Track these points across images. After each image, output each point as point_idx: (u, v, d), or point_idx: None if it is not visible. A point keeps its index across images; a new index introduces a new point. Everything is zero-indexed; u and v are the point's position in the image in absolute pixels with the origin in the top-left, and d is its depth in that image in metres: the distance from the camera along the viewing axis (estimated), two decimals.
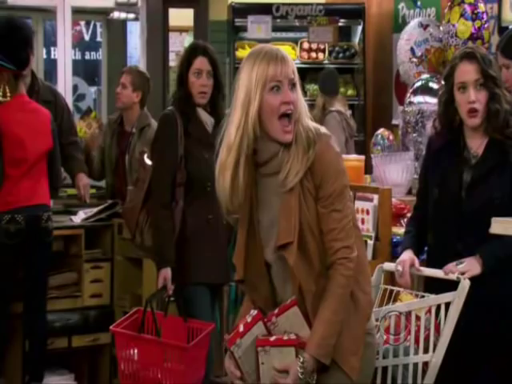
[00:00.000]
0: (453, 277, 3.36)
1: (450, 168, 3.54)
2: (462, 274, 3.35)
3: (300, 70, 8.97)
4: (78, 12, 9.43)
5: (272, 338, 2.84)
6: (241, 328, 2.87)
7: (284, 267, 2.88)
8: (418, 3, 7.29)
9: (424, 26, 5.80)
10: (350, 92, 8.82)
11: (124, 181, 5.86)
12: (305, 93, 8.82)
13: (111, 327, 3.97)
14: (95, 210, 5.62)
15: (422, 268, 3.53)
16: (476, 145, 3.52)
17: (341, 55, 8.93)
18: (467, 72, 3.48)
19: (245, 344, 2.85)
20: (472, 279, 3.33)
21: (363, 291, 2.92)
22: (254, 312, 2.89)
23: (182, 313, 4.12)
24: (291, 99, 2.84)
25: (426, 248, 3.71)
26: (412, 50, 5.72)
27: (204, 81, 4.42)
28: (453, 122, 3.55)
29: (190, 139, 4.39)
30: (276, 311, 2.89)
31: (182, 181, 4.34)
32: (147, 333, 3.97)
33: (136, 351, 3.81)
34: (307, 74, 8.98)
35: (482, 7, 5.67)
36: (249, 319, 2.87)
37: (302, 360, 2.80)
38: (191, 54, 4.48)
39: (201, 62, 4.44)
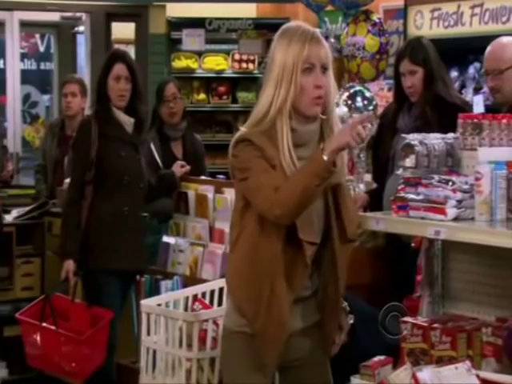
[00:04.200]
0: None
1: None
2: None
3: (232, 79, 9.09)
4: (29, 25, 9.44)
5: None
6: None
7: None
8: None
9: (325, 37, 5.85)
10: None
11: (62, 181, 5.87)
12: (236, 100, 8.92)
13: (17, 314, 3.99)
14: (27, 208, 5.60)
15: None
16: None
17: None
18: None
19: None
20: None
21: None
22: None
23: (87, 300, 4.17)
24: (323, 83, 2.71)
25: None
26: None
27: (122, 85, 4.44)
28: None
29: (106, 140, 4.44)
30: None
31: (88, 179, 4.39)
32: (52, 317, 3.99)
33: (39, 337, 3.84)
34: (239, 82, 9.01)
35: (384, 25, 5.80)
36: None
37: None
38: (110, 60, 4.52)
39: (119, 68, 4.48)
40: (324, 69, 2.74)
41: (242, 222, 2.77)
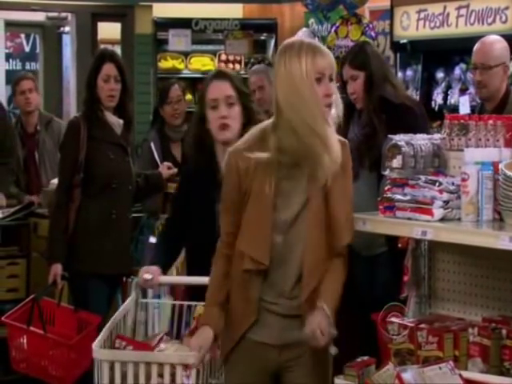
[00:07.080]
0: None
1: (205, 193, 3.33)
2: None
3: None
4: (14, 25, 9.42)
5: None
6: None
7: None
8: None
9: (313, 36, 5.97)
10: None
11: (38, 177, 5.89)
12: None
13: (3, 318, 3.96)
14: (12, 209, 5.57)
15: None
16: None
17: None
18: (219, 90, 3.34)
19: None
20: None
21: None
22: None
23: (73, 303, 4.15)
24: (332, 92, 2.80)
25: None
26: None
27: (112, 85, 4.42)
28: (205, 144, 3.37)
29: (94, 142, 4.41)
30: None
31: (77, 183, 4.37)
32: (39, 321, 3.96)
33: (25, 341, 3.82)
34: None
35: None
36: None
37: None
38: (99, 60, 4.48)
39: (109, 68, 4.44)
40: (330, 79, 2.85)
41: None
